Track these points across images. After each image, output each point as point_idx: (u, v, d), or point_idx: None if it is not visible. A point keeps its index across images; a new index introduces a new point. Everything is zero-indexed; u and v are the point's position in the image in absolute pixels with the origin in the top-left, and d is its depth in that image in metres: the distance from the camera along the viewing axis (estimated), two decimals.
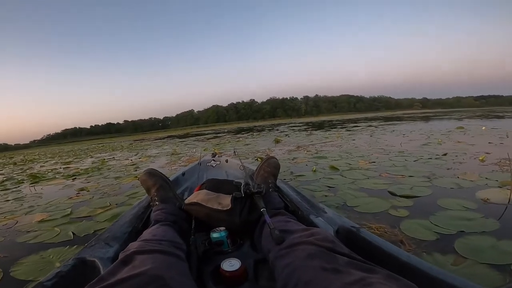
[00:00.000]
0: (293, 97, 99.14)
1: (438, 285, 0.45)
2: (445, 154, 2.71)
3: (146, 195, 1.05)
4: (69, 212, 1.77)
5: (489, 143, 3.39)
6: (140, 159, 4.94)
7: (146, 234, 0.67)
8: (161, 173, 1.03)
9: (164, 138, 15.05)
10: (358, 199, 1.55)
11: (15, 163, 7.93)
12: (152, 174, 1.00)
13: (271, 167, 1.06)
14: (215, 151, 2.93)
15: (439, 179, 1.81)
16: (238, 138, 8.39)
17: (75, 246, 1.23)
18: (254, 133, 10.08)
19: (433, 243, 1.00)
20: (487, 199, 1.37)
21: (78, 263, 0.61)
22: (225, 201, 0.79)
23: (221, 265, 0.62)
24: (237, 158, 1.81)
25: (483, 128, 5.53)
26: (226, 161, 1.95)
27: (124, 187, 2.50)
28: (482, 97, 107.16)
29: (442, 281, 0.45)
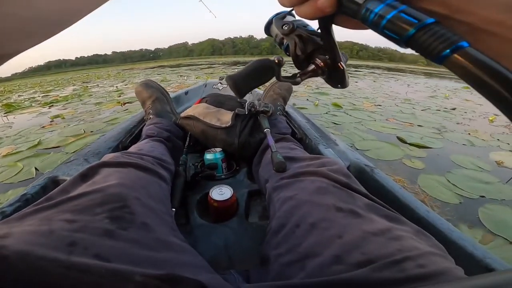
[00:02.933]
0: None
1: (457, 250, 0.37)
2: (454, 109, 2.63)
3: (141, 109, 0.93)
4: (36, 143, 1.60)
5: None
6: (127, 86, 4.59)
7: (131, 148, 0.58)
8: (159, 85, 0.91)
9: (154, 67, 14.03)
10: (367, 142, 1.48)
11: None
12: (149, 85, 0.87)
13: (282, 88, 0.92)
14: (223, 75, 2.69)
15: (450, 133, 1.74)
16: (234, 69, 7.90)
17: None
18: None
19: (457, 208, 0.93)
20: (502, 162, 1.30)
21: (49, 183, 0.53)
22: (225, 118, 0.68)
23: (210, 193, 0.53)
24: None
25: None
26: None
27: (104, 113, 2.31)
28: None
29: (461, 247, 0.36)
